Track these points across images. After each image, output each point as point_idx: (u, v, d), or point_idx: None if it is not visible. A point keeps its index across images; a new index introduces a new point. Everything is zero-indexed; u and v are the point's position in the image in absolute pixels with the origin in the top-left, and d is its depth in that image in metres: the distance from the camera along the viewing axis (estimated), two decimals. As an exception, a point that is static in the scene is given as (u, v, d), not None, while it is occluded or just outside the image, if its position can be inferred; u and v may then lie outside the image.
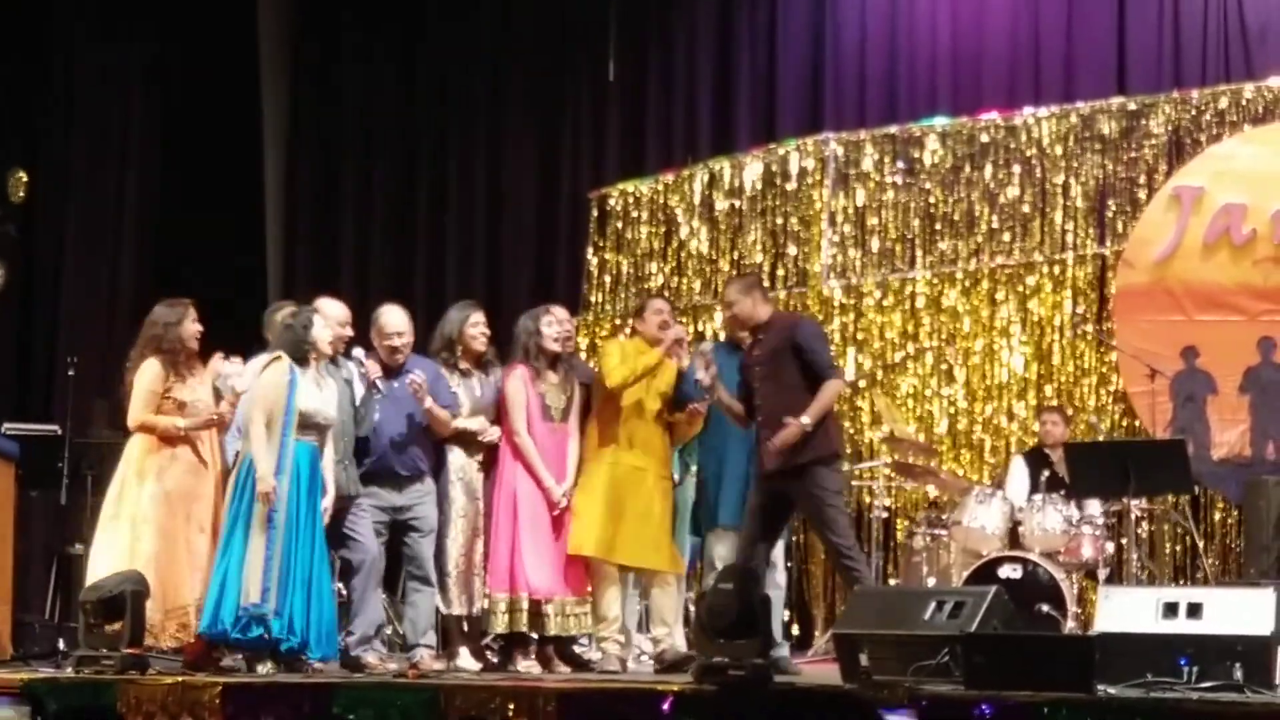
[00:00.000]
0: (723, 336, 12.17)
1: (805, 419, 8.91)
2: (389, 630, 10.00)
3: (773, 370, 9.13)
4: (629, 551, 9.67)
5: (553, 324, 9.75)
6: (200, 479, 9.48)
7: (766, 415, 9.11)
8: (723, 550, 9.73)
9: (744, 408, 9.27)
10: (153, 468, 9.41)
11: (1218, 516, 12.50)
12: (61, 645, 9.77)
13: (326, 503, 9.20)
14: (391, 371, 9.66)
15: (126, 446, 9.53)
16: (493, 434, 9.71)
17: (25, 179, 12.22)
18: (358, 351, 9.58)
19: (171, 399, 9.40)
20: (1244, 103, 12.57)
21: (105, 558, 9.36)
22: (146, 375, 9.38)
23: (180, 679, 8.76)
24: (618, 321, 12.86)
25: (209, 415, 9.41)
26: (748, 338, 9.49)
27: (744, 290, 9.42)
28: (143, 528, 9.33)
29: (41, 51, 13.11)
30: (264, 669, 9.02)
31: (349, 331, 9.64)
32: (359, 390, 9.55)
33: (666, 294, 12.60)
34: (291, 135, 14.08)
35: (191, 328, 9.48)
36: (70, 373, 11.43)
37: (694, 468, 10.14)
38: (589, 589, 9.71)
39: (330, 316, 9.51)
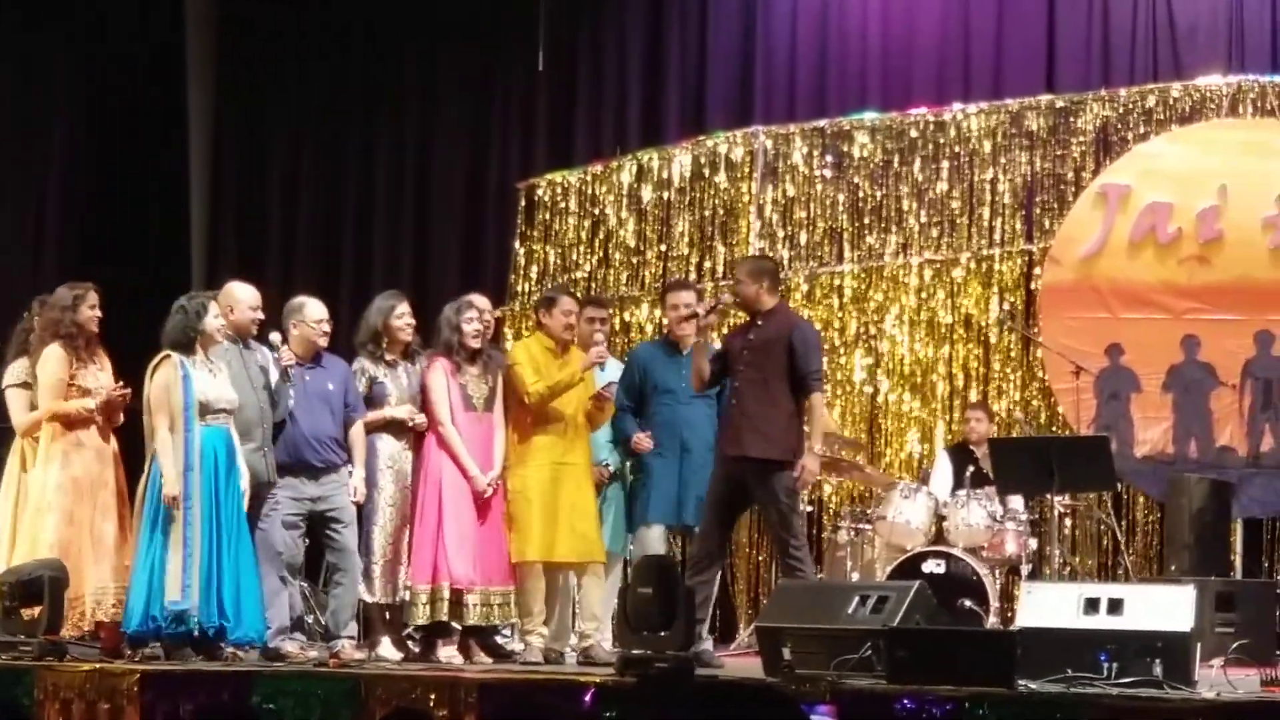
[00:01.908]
0: (649, 330, 12.25)
1: (817, 447, 9.29)
2: (310, 620, 9.94)
3: (759, 359, 9.21)
4: (567, 548, 9.69)
5: (472, 320, 9.76)
6: (107, 465, 9.45)
7: (740, 398, 9.21)
8: (653, 545, 9.76)
9: (709, 380, 9.35)
10: (57, 454, 9.34)
11: (1139, 514, 12.60)
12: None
13: (244, 485, 9.19)
14: (308, 360, 9.67)
15: (21, 439, 9.51)
16: (421, 420, 9.74)
17: None
18: (274, 337, 9.56)
19: (76, 386, 9.35)
20: (1171, 102, 12.63)
21: (9, 546, 9.32)
22: (50, 363, 9.33)
23: (99, 666, 8.74)
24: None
25: (112, 397, 9.37)
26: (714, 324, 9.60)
27: (753, 274, 9.50)
28: (48, 516, 9.26)
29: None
30: (183, 657, 8.99)
31: (260, 315, 9.68)
32: (275, 375, 9.54)
33: (594, 284, 12.59)
34: (218, 121, 14.00)
35: (89, 313, 9.42)
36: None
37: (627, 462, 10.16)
38: (512, 580, 9.71)
39: (241, 300, 9.56)
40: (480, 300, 10.10)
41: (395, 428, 9.80)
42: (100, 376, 9.48)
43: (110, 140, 13.33)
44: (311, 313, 9.78)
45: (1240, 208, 12.31)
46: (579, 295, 11.02)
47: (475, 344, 9.73)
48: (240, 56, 14.00)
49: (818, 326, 12.79)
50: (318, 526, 9.63)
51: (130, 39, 13.42)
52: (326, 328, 9.80)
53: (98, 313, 9.49)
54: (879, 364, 12.88)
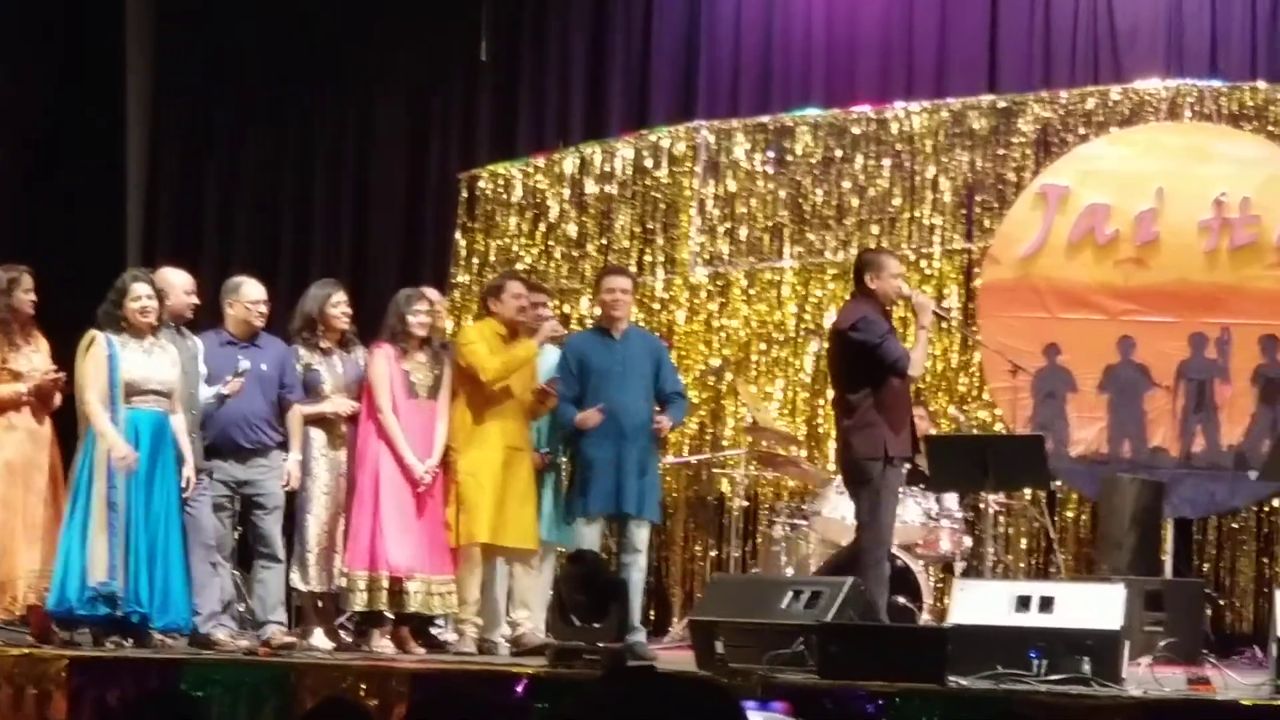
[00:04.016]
0: (589, 323, 12.24)
1: None
2: (240, 606, 9.92)
3: None
4: (513, 534, 9.76)
5: (419, 312, 9.79)
6: (40, 447, 9.46)
7: None
8: (589, 537, 9.78)
9: None
10: (-9, 436, 9.35)
11: (1072, 513, 12.67)
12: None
13: (187, 472, 9.18)
14: (244, 340, 9.71)
15: None
16: (345, 407, 9.76)
17: None
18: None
19: (8, 369, 9.33)
20: (1111, 104, 12.72)
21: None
22: None
23: (28, 651, 8.71)
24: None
25: (48, 379, 9.35)
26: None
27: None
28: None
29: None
30: (112, 643, 8.97)
31: (194, 300, 9.75)
32: (203, 370, 9.58)
33: (534, 275, 12.58)
34: (156, 106, 13.91)
35: (24, 296, 9.43)
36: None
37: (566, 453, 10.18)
38: (453, 569, 9.73)
39: (175, 285, 9.62)
40: (432, 293, 10.23)
41: (328, 420, 9.83)
42: (35, 359, 9.47)
43: (46, 122, 13.23)
44: (248, 293, 9.81)
45: (1177, 211, 12.40)
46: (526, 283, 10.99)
47: (420, 333, 9.76)
48: (179, 42, 13.91)
49: (757, 322, 12.89)
50: (244, 510, 9.65)
51: (68, 17, 13.31)
52: (263, 309, 9.84)
53: (32, 296, 9.49)
54: (819, 361, 12.89)
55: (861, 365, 9.50)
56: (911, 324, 10.71)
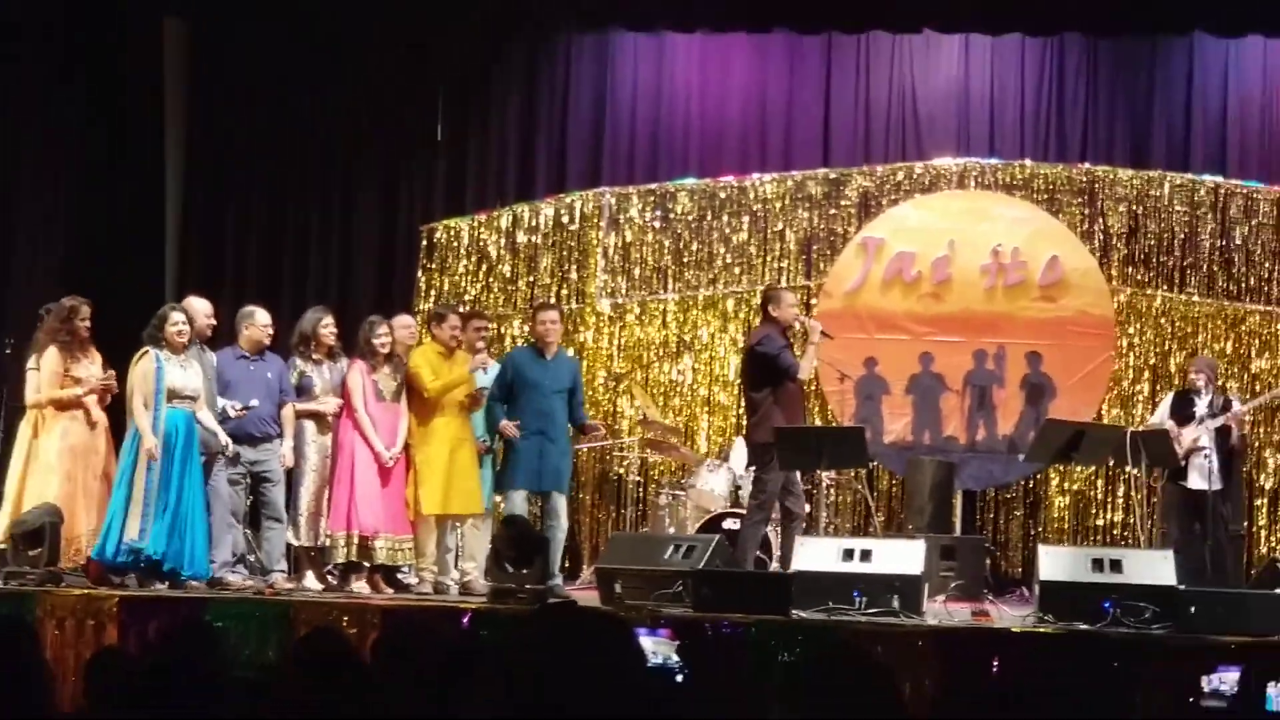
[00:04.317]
0: (519, 339, 12.23)
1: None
2: (251, 558, 9.88)
3: None
4: (460, 503, 9.73)
5: (381, 335, 9.82)
6: (95, 436, 9.43)
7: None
8: (518, 505, 9.78)
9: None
10: (57, 428, 9.29)
11: (885, 486, 12.74)
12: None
13: (224, 439, 9.31)
14: (254, 355, 9.72)
15: (30, 413, 9.44)
16: (331, 405, 9.77)
17: None
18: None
19: (70, 376, 9.31)
20: (915, 177, 12.77)
21: (23, 497, 9.26)
22: (48, 361, 9.33)
23: (86, 592, 8.65)
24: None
25: (100, 384, 9.33)
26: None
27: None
28: (50, 476, 9.22)
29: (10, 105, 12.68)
30: (151, 587, 8.93)
31: (213, 321, 9.82)
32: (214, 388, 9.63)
33: (478, 305, 12.55)
34: (188, 174, 13.75)
35: (81, 323, 9.44)
36: (7, 350, 11.13)
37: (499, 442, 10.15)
38: (411, 530, 9.72)
39: (198, 311, 9.63)
40: (405, 318, 10.39)
41: (319, 414, 9.83)
42: (91, 369, 9.43)
43: (100, 183, 13.10)
44: (259, 318, 9.84)
45: (964, 258, 12.48)
46: (466, 311, 10.98)
47: (383, 351, 9.80)
48: (206, 124, 13.76)
49: (647, 341, 12.90)
50: (255, 485, 9.63)
51: (122, 112, 13.20)
52: (270, 330, 9.84)
53: (87, 323, 9.50)
54: (695, 369, 12.93)
55: (763, 371, 9.64)
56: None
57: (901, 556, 8.59)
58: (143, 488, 8.92)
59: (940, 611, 8.90)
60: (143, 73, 13.28)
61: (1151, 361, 12.48)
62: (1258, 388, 12.05)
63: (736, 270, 12.89)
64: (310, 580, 9.64)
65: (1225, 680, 7.26)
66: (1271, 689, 6.66)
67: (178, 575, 9.00)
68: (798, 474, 9.99)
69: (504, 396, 9.81)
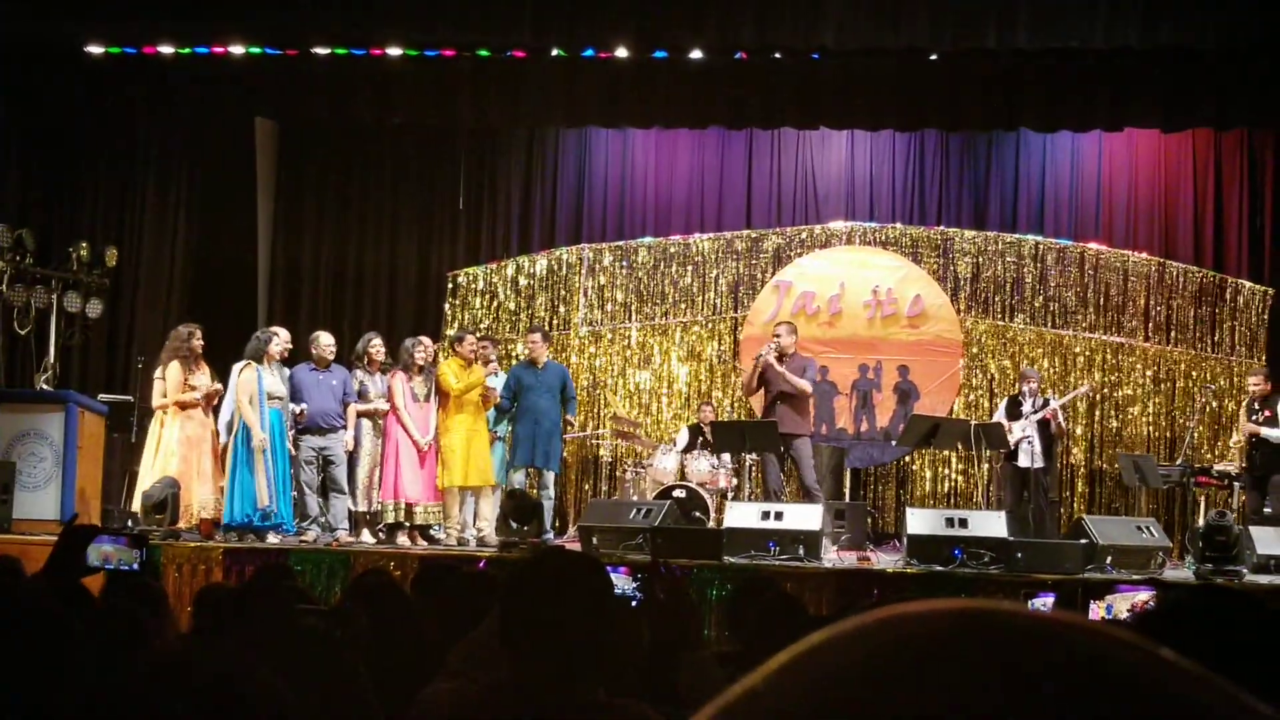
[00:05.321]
0: (520, 357, 12.22)
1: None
2: (321, 520, 9.87)
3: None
4: (476, 477, 9.73)
5: (418, 350, 9.77)
6: (207, 429, 9.42)
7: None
8: (519, 478, 9.80)
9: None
10: (177, 424, 9.29)
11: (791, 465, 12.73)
12: (129, 524, 9.51)
13: (297, 415, 9.35)
14: (322, 368, 9.67)
15: (157, 413, 9.42)
16: (382, 407, 9.73)
17: (115, 252, 11.91)
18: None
19: (188, 384, 9.31)
20: (815, 235, 12.84)
21: (152, 474, 9.23)
22: (172, 373, 9.32)
23: (199, 545, 8.64)
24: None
25: (209, 391, 9.32)
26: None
27: (789, 331, 9.82)
28: (171, 459, 9.21)
29: (135, 173, 12.63)
30: (248, 539, 8.93)
31: (289, 345, 9.76)
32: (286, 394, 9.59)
33: (489, 331, 12.56)
34: (274, 235, 13.74)
35: (196, 343, 9.44)
36: (139, 365, 11.12)
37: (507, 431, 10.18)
38: (440, 499, 9.72)
39: (280, 338, 9.59)
40: (425, 339, 10.20)
41: (372, 412, 9.80)
42: (202, 380, 9.40)
43: (208, 241, 13.10)
44: (323, 340, 9.81)
45: (852, 296, 12.55)
46: (478, 335, 10.99)
47: (421, 364, 9.76)
48: (289, 190, 13.76)
49: (616, 359, 12.92)
50: (324, 465, 9.62)
51: (224, 189, 13.20)
52: (333, 349, 9.80)
53: (201, 342, 9.46)
54: (652, 379, 12.97)
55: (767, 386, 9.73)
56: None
57: (805, 517, 8.65)
58: (263, 465, 8.92)
59: (834, 558, 8.96)
60: (242, 158, 13.32)
61: (990, 373, 12.59)
62: (1064, 389, 12.16)
63: (682, 306, 12.94)
64: (366, 536, 9.62)
65: (1045, 605, 7.34)
66: (1093, 606, 6.74)
67: (280, 529, 9.01)
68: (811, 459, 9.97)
69: (510, 397, 9.89)
